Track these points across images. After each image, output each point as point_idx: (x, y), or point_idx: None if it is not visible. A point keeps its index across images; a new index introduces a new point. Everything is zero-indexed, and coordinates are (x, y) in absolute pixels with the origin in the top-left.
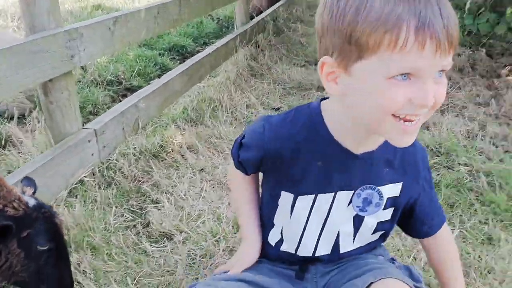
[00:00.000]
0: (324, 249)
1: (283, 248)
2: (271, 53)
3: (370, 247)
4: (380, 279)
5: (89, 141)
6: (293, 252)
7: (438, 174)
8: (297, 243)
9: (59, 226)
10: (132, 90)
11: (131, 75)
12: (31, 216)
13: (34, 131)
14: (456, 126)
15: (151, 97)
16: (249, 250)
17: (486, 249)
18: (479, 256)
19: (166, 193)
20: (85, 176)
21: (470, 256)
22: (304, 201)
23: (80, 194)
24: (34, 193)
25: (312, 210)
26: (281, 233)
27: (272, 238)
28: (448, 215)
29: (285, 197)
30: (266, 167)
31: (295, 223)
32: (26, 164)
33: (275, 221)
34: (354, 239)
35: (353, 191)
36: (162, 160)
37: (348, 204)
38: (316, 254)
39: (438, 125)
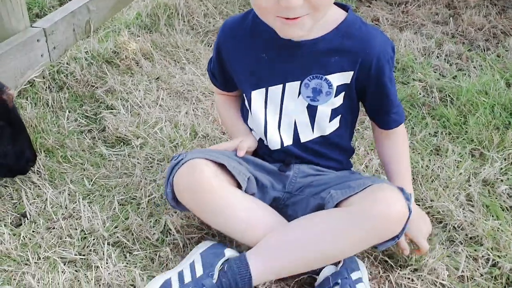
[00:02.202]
0: (287, 140)
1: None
2: None
3: (339, 137)
4: (378, 184)
5: (38, 40)
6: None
7: None
8: (265, 137)
9: (7, 102)
10: None
11: None
12: None
13: None
14: (413, 43)
15: None
16: (247, 136)
17: (433, 159)
18: (427, 165)
19: (121, 99)
20: (35, 77)
21: (418, 164)
22: (258, 95)
23: (30, 96)
24: None
25: (267, 103)
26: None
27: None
28: None
29: (247, 97)
30: (227, 66)
31: (256, 119)
32: None
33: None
34: (313, 128)
35: (300, 81)
36: (116, 66)
37: (298, 95)
38: (285, 145)
39: (396, 42)
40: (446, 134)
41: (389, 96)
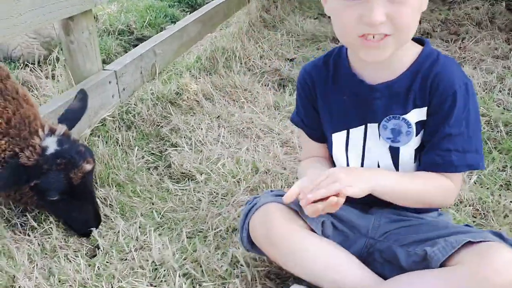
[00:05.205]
0: None
1: None
2: (284, 5)
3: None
4: (480, 241)
5: (109, 82)
6: None
7: None
8: None
9: (73, 179)
10: (143, 40)
11: (142, 25)
12: (42, 167)
13: (53, 72)
14: (473, 78)
15: (167, 42)
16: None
17: (504, 194)
18: (497, 201)
19: (185, 137)
20: (107, 116)
21: (488, 199)
22: (339, 138)
23: (102, 135)
24: (71, 126)
25: (348, 148)
26: None
27: None
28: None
29: (328, 140)
30: (316, 107)
31: (338, 163)
32: (46, 103)
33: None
34: (398, 170)
35: (377, 124)
36: (178, 107)
37: (379, 137)
38: None
39: None
40: None
41: (451, 128)
